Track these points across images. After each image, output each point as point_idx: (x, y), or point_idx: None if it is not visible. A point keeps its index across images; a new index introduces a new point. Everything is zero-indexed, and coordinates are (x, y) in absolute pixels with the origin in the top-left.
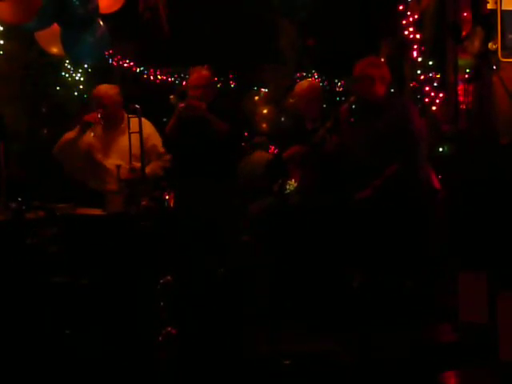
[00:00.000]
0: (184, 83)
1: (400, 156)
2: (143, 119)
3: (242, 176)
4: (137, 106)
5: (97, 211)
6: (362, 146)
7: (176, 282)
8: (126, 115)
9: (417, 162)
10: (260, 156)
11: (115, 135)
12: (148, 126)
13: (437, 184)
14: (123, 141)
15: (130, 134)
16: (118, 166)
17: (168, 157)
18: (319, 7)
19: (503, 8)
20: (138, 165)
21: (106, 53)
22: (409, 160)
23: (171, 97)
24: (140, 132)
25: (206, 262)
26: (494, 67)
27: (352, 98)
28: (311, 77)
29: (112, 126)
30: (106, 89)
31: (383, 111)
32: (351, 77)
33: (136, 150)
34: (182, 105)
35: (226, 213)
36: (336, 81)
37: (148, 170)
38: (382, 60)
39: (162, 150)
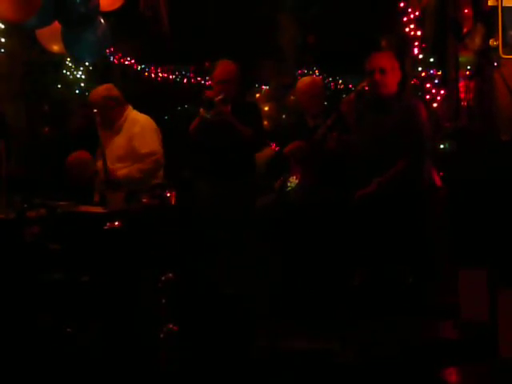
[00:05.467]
0: (206, 84)
1: (407, 153)
2: (139, 116)
3: None
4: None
5: (97, 209)
6: (367, 142)
7: (178, 279)
8: (125, 113)
9: (423, 160)
10: (261, 154)
11: (110, 135)
12: (138, 125)
13: (438, 181)
14: (116, 141)
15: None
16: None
17: (153, 158)
18: (319, 5)
19: (504, 4)
20: (115, 166)
21: (107, 51)
22: (415, 157)
23: (201, 110)
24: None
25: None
26: (495, 64)
27: (353, 94)
28: (312, 74)
29: (107, 126)
30: (97, 91)
31: (392, 107)
32: (365, 69)
33: (121, 150)
34: (212, 113)
35: (243, 212)
36: (337, 78)
37: (125, 171)
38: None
39: (144, 151)
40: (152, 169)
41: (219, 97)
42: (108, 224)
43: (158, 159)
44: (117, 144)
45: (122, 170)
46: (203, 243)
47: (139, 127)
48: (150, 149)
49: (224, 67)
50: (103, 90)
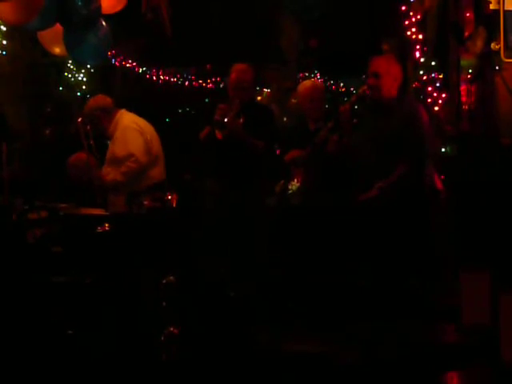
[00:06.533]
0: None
1: (407, 157)
2: (125, 120)
3: None
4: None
5: (99, 211)
6: (368, 147)
7: (179, 281)
8: (114, 120)
9: (423, 164)
10: None
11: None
12: (120, 130)
13: (439, 184)
14: (109, 147)
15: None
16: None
17: (132, 159)
18: (323, 8)
19: (506, 8)
20: (107, 171)
21: (109, 53)
22: (416, 161)
23: (217, 133)
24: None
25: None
26: (497, 67)
27: (354, 98)
28: (314, 77)
29: (103, 134)
30: (87, 103)
31: (392, 111)
32: (366, 73)
33: (109, 156)
34: (225, 133)
35: (248, 216)
36: (338, 81)
37: (112, 176)
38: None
39: (121, 154)
40: (134, 170)
41: (229, 117)
42: (99, 228)
43: (136, 159)
44: (109, 150)
45: (109, 176)
46: (204, 245)
47: (119, 132)
48: (127, 151)
49: (240, 74)
50: (91, 101)
